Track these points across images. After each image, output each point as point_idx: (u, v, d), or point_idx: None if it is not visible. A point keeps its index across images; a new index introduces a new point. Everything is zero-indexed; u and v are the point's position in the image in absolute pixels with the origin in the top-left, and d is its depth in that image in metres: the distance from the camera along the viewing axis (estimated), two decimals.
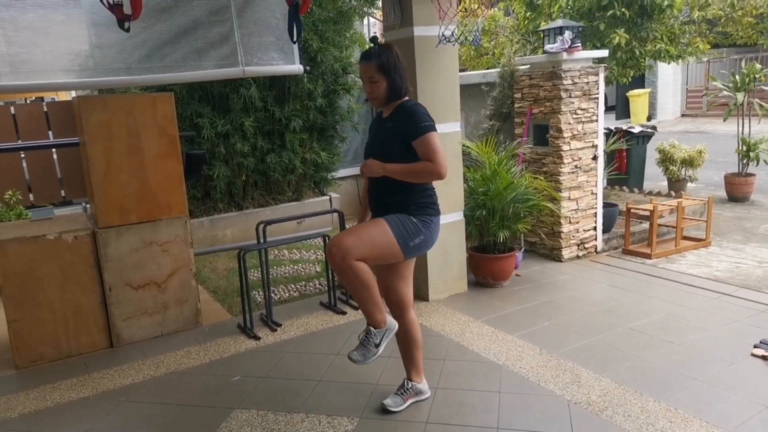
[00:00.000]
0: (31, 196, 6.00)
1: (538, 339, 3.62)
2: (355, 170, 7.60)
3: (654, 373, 3.12)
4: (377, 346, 2.58)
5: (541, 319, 3.93)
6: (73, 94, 7.68)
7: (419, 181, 2.61)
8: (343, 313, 4.22)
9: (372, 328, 2.58)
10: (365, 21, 7.07)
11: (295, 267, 5.46)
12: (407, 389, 2.93)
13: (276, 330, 4.00)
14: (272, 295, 4.54)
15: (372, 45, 2.66)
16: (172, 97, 3.99)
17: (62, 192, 6.34)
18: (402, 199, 2.65)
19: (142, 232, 3.95)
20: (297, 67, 5.39)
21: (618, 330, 3.71)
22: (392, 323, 2.65)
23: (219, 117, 6.04)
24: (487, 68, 7.66)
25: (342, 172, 7.28)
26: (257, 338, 3.88)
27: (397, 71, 2.62)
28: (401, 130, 2.61)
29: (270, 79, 6.25)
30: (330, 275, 4.34)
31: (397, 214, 2.63)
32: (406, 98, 2.70)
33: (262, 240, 4.16)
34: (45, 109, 6.12)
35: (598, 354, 3.38)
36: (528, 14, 6.68)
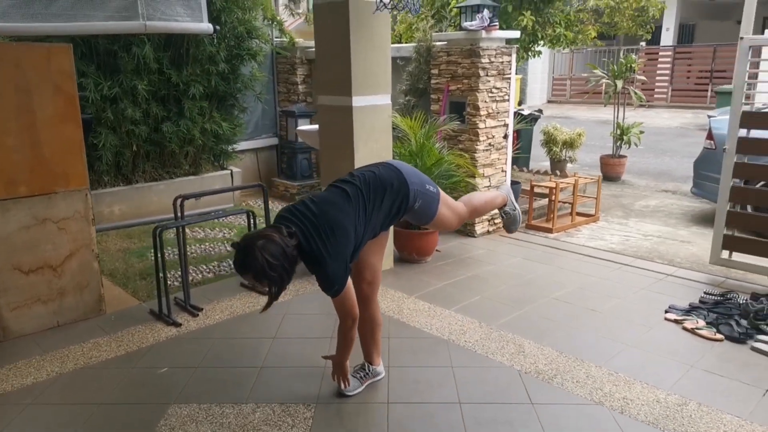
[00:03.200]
0: None
1: (474, 312, 3.67)
2: (256, 143, 7.20)
3: (587, 340, 3.30)
4: (514, 209, 3.08)
5: (472, 293, 4.00)
6: None
7: (350, 340, 2.56)
8: None
9: (504, 209, 3.07)
10: None
11: (202, 246, 5.05)
12: (367, 372, 2.84)
13: (197, 315, 3.66)
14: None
15: (235, 253, 2.24)
16: (70, 48, 3.41)
17: None
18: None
19: (33, 207, 3.37)
20: (206, 26, 4.94)
21: (543, 301, 3.88)
22: (507, 189, 3.09)
23: (106, 78, 5.35)
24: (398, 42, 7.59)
25: (242, 145, 6.85)
26: (177, 325, 3.52)
27: (275, 273, 2.20)
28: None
29: (165, 39, 5.65)
30: None
31: (407, 201, 2.56)
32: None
33: (180, 216, 3.75)
34: None
35: (533, 324, 3.50)
36: None
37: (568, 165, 8.71)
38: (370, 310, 2.71)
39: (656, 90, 17.44)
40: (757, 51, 4.07)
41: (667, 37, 18.21)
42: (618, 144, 8.21)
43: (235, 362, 3.08)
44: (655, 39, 19.05)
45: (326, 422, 2.55)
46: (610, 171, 8.32)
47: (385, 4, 3.61)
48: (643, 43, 16.20)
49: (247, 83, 6.38)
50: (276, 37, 7.16)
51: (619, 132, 8.14)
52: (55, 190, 3.44)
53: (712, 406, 2.65)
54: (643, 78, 8.51)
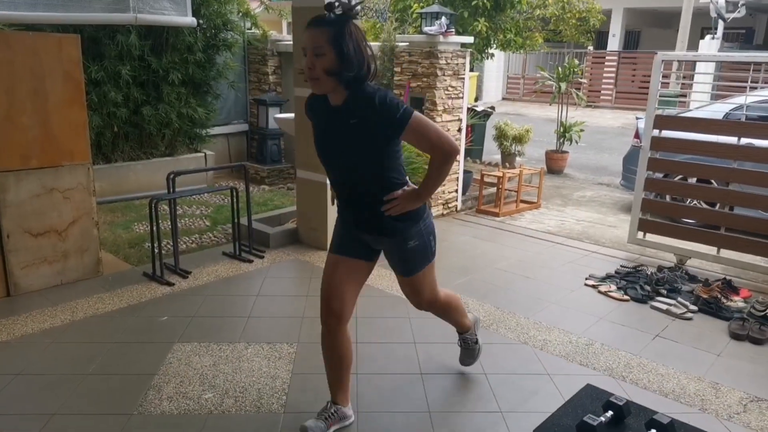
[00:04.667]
0: None
1: None
2: (228, 128, 7.64)
3: (520, 300, 3.99)
4: (476, 342, 2.95)
5: None
6: None
7: (447, 173, 2.23)
8: (250, 261, 4.50)
9: (464, 335, 2.92)
10: None
11: (184, 221, 5.51)
12: (332, 414, 2.48)
13: (187, 277, 4.17)
14: (170, 246, 4.63)
15: (327, 11, 2.08)
16: (78, 39, 3.87)
17: None
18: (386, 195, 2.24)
19: (43, 177, 3.81)
20: (190, 20, 5.40)
21: (487, 270, 4.56)
22: (475, 318, 3.03)
23: (91, 63, 5.73)
24: None
25: (215, 130, 7.29)
26: (170, 284, 4.02)
27: (357, 48, 2.05)
28: (375, 127, 2.09)
29: (147, 28, 6.05)
30: (235, 228, 4.56)
31: (403, 254, 2.36)
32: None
33: (172, 190, 4.24)
34: None
35: (477, 288, 4.17)
36: None
37: (517, 158, 9.47)
38: (339, 338, 2.40)
39: (602, 92, 18.59)
40: (668, 64, 4.84)
41: (614, 43, 19.39)
42: (561, 140, 9.02)
43: (226, 313, 3.63)
44: (602, 44, 20.24)
45: (306, 356, 3.12)
46: (553, 165, 9.13)
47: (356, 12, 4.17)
48: (590, 48, 17.24)
49: (221, 72, 6.83)
50: (248, 29, 7.61)
51: (562, 130, 8.95)
52: (61, 164, 3.88)
53: (612, 346, 3.37)
54: (584, 80, 9.34)
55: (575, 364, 3.16)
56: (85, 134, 3.97)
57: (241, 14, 7.33)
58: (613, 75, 18.43)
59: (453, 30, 5.65)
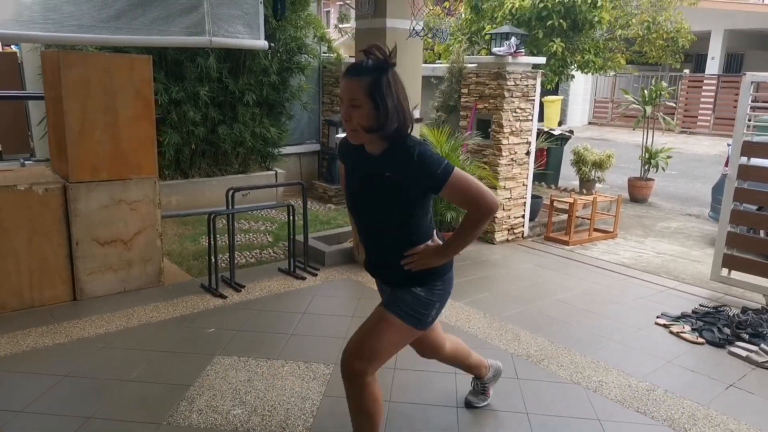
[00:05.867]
0: None
1: (481, 306, 4.12)
2: (300, 148, 7.83)
3: (578, 335, 3.72)
4: (483, 393, 2.83)
5: (482, 290, 4.45)
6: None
7: (481, 231, 2.07)
8: (303, 278, 4.51)
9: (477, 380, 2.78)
10: (321, 5, 7.30)
11: (247, 236, 5.66)
12: None
13: (240, 291, 4.23)
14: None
15: (365, 59, 1.96)
16: (150, 60, 4.09)
17: None
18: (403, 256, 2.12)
19: (111, 189, 4.03)
20: (262, 43, 5.56)
21: (546, 300, 4.30)
22: (495, 368, 2.82)
23: (173, 83, 6.07)
24: (427, 63, 8.14)
25: (287, 149, 7.49)
26: (224, 297, 4.10)
27: (395, 99, 1.93)
28: (412, 182, 2.00)
29: (225, 52, 6.35)
30: (291, 245, 4.61)
31: (402, 294, 2.16)
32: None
33: (230, 206, 4.35)
34: None
35: (532, 319, 3.94)
36: (472, 16, 7.21)
37: (597, 185, 9.02)
38: (367, 388, 2.18)
39: (699, 117, 17.42)
40: (765, 86, 4.41)
41: (713, 66, 18.18)
42: (646, 167, 8.49)
43: (270, 329, 3.63)
44: (700, 67, 19.06)
45: (341, 379, 3.04)
46: (636, 193, 8.60)
47: (417, 32, 4.14)
48: (686, 71, 16.27)
49: (295, 93, 7.03)
50: (324, 52, 7.81)
51: (647, 156, 8.43)
52: (129, 177, 4.09)
53: (677, 394, 3.03)
54: (673, 104, 8.77)
55: (631, 410, 2.87)
56: (152, 149, 4.17)
57: (317, 38, 7.54)
58: (711, 100, 17.25)
59: (523, 50, 5.49)
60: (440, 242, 2.17)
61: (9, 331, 3.48)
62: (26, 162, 5.68)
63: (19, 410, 2.68)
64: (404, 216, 2.08)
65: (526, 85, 5.63)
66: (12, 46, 7.30)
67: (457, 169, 1.99)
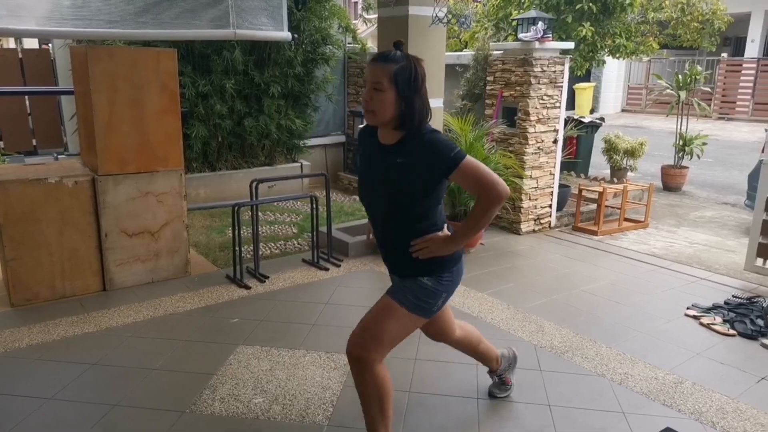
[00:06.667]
0: (0, 143, 5.97)
1: (505, 296, 4.07)
2: (325, 140, 7.85)
3: (605, 326, 3.64)
4: (503, 384, 2.82)
5: (506, 281, 4.40)
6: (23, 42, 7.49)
7: (491, 218, 2.11)
8: (326, 269, 4.54)
9: (490, 373, 2.77)
10: None
11: (272, 227, 5.71)
12: None
13: (264, 281, 4.28)
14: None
15: (395, 48, 2.07)
16: (175, 53, 4.13)
17: (33, 141, 6.33)
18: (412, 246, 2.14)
19: (139, 182, 4.10)
20: (285, 34, 5.57)
21: (572, 291, 4.22)
22: (509, 356, 2.80)
23: (199, 77, 6.14)
24: (453, 51, 8.04)
25: (312, 141, 7.51)
26: (248, 287, 4.15)
27: (417, 91, 2.01)
28: (424, 167, 2.04)
29: (251, 44, 6.38)
30: (314, 236, 4.63)
31: (410, 283, 2.18)
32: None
33: (254, 197, 4.39)
34: (20, 55, 6.07)
35: (557, 310, 3.87)
36: (499, 2, 7.08)
37: (629, 173, 8.81)
38: (373, 372, 2.16)
39: (738, 103, 16.83)
40: None
41: (753, 49, 17.51)
42: (680, 155, 8.25)
43: (293, 319, 3.66)
44: (739, 50, 18.39)
45: None
46: (670, 181, 8.37)
47: (440, 19, 4.09)
48: (724, 55, 15.72)
49: (320, 85, 7.04)
50: (348, 43, 7.78)
51: (681, 143, 8.19)
52: (156, 169, 4.16)
53: (706, 386, 2.95)
54: (709, 89, 8.49)
55: (657, 403, 2.80)
56: (178, 142, 4.23)
57: (341, 29, 7.52)
58: (750, 84, 16.62)
59: (550, 36, 5.36)
60: (449, 234, 2.18)
61: (41, 320, 3.59)
62: (59, 156, 5.84)
63: (48, 397, 2.77)
64: (415, 204, 2.09)
65: (554, 71, 5.52)
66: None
67: (468, 156, 2.04)
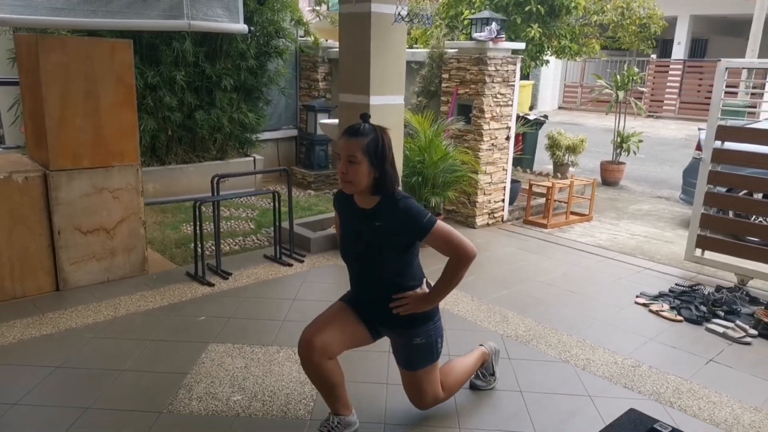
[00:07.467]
0: None
1: (468, 289, 4.19)
2: (278, 133, 7.76)
3: (564, 315, 3.82)
4: (492, 374, 2.91)
5: (468, 274, 4.49)
6: None
7: (462, 278, 2.35)
8: (290, 265, 4.51)
9: (480, 368, 2.86)
10: None
11: (229, 223, 5.61)
12: (335, 426, 2.45)
13: (227, 278, 4.21)
14: (214, 247, 4.70)
15: (362, 122, 2.27)
16: (131, 44, 3.99)
17: None
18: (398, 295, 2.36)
19: (93, 177, 3.94)
20: (242, 27, 5.47)
21: (530, 283, 4.40)
22: (494, 349, 2.92)
23: (148, 68, 5.93)
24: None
25: (265, 135, 7.41)
26: (211, 285, 4.08)
27: (386, 159, 2.23)
28: (399, 232, 2.26)
29: (202, 36, 6.22)
30: (276, 231, 4.59)
31: (414, 352, 2.44)
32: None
33: (216, 193, 4.30)
34: None
35: (518, 300, 4.03)
36: (450, 1, 7.21)
37: (571, 169, 9.18)
38: (334, 363, 2.42)
39: (665, 102, 17.85)
40: (735, 73, 4.56)
41: (679, 51, 18.61)
42: (618, 151, 8.68)
43: (261, 316, 3.64)
44: (666, 52, 19.47)
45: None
46: (609, 176, 8.80)
47: (402, 17, 4.14)
48: (653, 56, 16.62)
49: (272, 78, 6.95)
50: (301, 36, 7.72)
51: (619, 140, 8.62)
52: (112, 164, 4.01)
53: (661, 369, 3.16)
54: (644, 89, 8.97)
55: (619, 386, 2.98)
56: (135, 136, 4.09)
57: (293, 22, 7.44)
58: (677, 84, 17.68)
59: (503, 36, 5.53)
60: (427, 290, 2.41)
61: None
62: None
63: (13, 402, 2.64)
64: (395, 259, 2.32)
65: (507, 71, 5.69)
66: None
67: (439, 221, 2.27)
